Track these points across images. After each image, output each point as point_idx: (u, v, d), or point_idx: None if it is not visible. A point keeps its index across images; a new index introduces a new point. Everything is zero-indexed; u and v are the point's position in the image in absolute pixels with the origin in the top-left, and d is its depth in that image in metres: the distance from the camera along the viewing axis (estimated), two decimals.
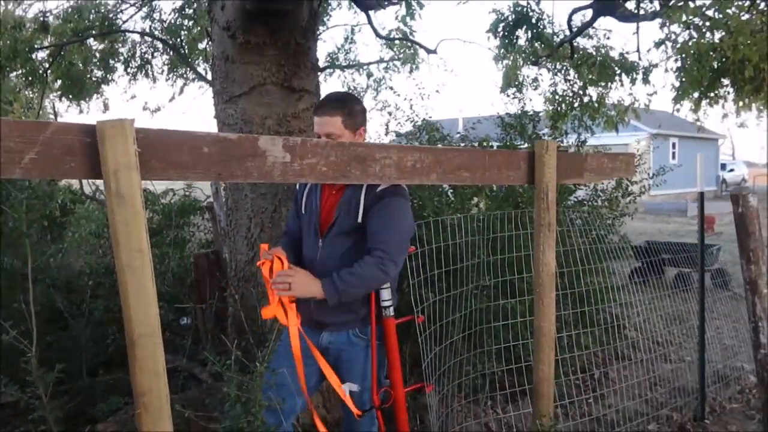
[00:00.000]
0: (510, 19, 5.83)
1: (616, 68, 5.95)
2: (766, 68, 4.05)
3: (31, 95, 8.47)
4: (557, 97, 6.23)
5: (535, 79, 6.55)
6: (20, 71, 7.05)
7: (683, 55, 4.61)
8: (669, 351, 3.86)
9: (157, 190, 4.82)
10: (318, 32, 3.48)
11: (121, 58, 8.03)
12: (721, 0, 3.96)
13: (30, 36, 6.79)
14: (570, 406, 3.00)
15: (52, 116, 8.78)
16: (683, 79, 4.78)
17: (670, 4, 4.30)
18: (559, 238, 2.89)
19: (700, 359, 3.26)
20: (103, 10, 7.23)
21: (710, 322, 3.96)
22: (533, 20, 5.77)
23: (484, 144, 4.57)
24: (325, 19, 8.11)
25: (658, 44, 4.78)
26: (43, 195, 3.74)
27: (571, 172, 2.30)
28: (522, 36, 5.87)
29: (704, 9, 4.12)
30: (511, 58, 6.70)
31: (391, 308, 1.99)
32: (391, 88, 9.33)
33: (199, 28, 7.44)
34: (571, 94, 6.18)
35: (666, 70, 5.05)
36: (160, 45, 8.07)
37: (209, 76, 3.39)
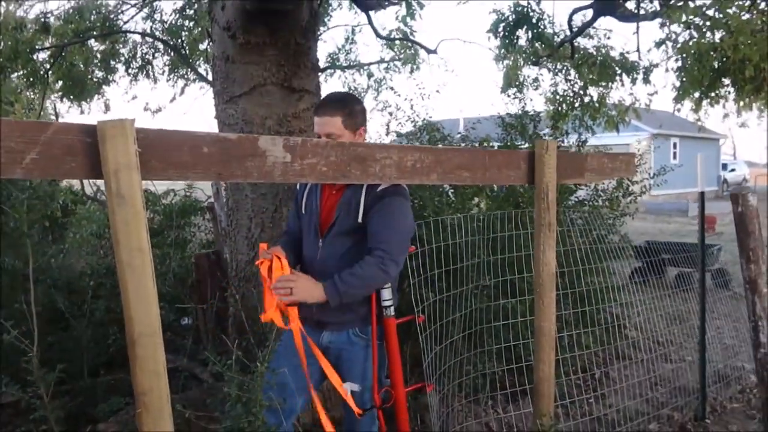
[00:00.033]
0: (510, 19, 5.83)
1: (617, 68, 5.96)
2: (767, 68, 4.05)
3: (32, 96, 8.49)
4: (558, 97, 6.23)
5: (536, 79, 6.56)
6: (21, 72, 7.07)
7: (684, 55, 4.61)
8: (670, 351, 3.86)
9: (158, 191, 4.83)
10: (318, 32, 3.49)
11: (122, 58, 8.05)
12: (722, 0, 3.96)
13: (31, 37, 6.80)
14: (571, 405, 3.00)
15: (53, 117, 8.79)
16: (684, 79, 4.79)
17: (670, 3, 4.30)
18: (559, 238, 2.90)
19: (701, 359, 3.26)
20: (104, 11, 7.24)
21: (711, 322, 3.96)
22: (534, 20, 5.77)
23: (485, 144, 4.58)
24: (325, 19, 8.12)
25: (658, 44, 4.78)
26: (45, 196, 3.75)
27: (571, 172, 2.30)
28: (522, 36, 5.88)
29: (704, 9, 4.12)
30: (512, 58, 6.70)
31: (392, 308, 2.00)
32: (392, 89, 9.33)
33: (199, 28, 7.45)
34: (571, 94, 6.19)
35: (667, 70, 5.07)
36: (161, 46, 8.09)
37: (210, 77, 3.40)
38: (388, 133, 5.32)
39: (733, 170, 26.69)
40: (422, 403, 2.75)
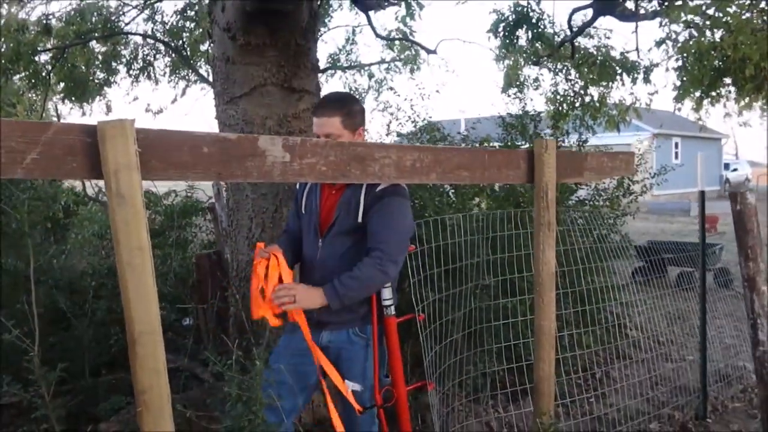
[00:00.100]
0: (510, 19, 5.84)
1: (617, 68, 5.95)
2: (767, 67, 4.04)
3: (34, 98, 8.51)
4: (558, 96, 6.23)
5: (536, 79, 6.56)
6: (23, 74, 7.09)
7: (684, 55, 4.61)
8: (671, 350, 3.86)
9: (159, 192, 4.84)
10: (318, 33, 3.50)
11: (124, 60, 8.06)
12: None
13: (33, 39, 6.82)
14: (571, 404, 3.00)
15: (54, 118, 8.80)
16: (684, 79, 4.78)
17: (669, 2, 4.30)
18: (559, 238, 2.90)
19: (702, 358, 3.26)
20: (105, 13, 7.26)
21: (712, 321, 3.96)
22: (534, 20, 5.78)
23: (485, 144, 4.58)
24: (326, 20, 8.13)
25: (658, 43, 4.78)
26: (47, 197, 3.77)
27: (570, 171, 2.31)
28: (522, 36, 5.89)
29: (704, 8, 4.12)
30: (512, 58, 6.71)
31: (392, 307, 2.00)
32: (391, 89, 9.34)
33: (200, 30, 7.47)
34: (572, 94, 6.19)
35: (667, 70, 5.07)
36: (162, 47, 8.10)
37: (211, 78, 3.41)
38: (388, 134, 5.34)
39: (735, 170, 26.62)
40: (423, 403, 2.75)
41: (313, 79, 2.95)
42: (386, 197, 1.91)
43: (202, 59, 8.07)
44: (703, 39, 4.23)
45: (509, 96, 5.37)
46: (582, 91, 6.19)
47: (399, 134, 5.42)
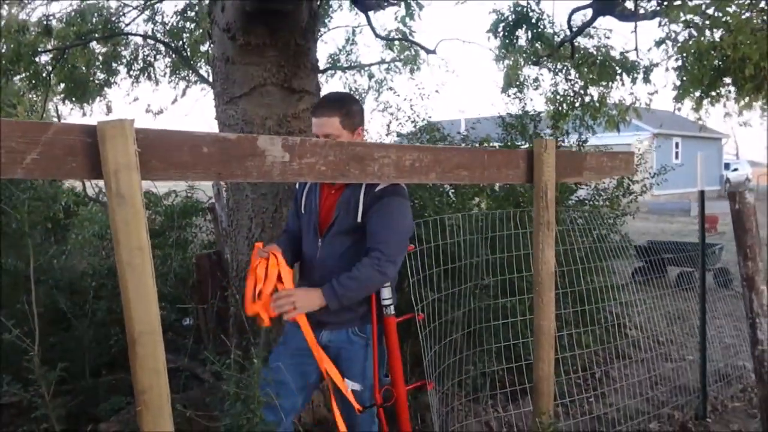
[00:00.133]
0: (510, 19, 5.84)
1: (617, 68, 5.96)
2: (767, 67, 4.05)
3: (34, 98, 8.52)
4: (558, 96, 6.23)
5: (536, 79, 6.56)
6: (24, 74, 7.10)
7: (684, 54, 4.61)
8: (670, 350, 3.86)
9: (159, 192, 4.85)
10: (318, 33, 3.50)
11: (124, 60, 8.07)
12: None
13: (33, 39, 6.83)
14: (571, 404, 3.01)
15: (55, 119, 8.82)
16: (684, 78, 4.78)
17: (668, 2, 4.30)
18: (558, 238, 2.91)
19: (702, 358, 3.26)
20: (105, 14, 7.27)
21: (712, 321, 3.96)
22: (533, 20, 5.78)
23: (485, 144, 4.59)
24: (326, 20, 8.13)
25: (658, 43, 4.78)
26: (47, 197, 3.77)
27: (570, 170, 2.31)
28: (522, 36, 5.89)
29: (704, 7, 4.12)
30: (512, 58, 6.71)
31: (392, 307, 2.01)
32: (391, 89, 9.35)
33: (201, 30, 7.47)
34: (572, 94, 6.19)
35: (667, 69, 5.07)
36: (162, 47, 8.11)
37: (211, 78, 3.41)
38: (388, 134, 5.34)
39: (735, 170, 26.60)
40: (422, 403, 2.76)
41: (313, 79, 2.96)
42: (385, 197, 1.91)
43: (203, 60, 8.08)
44: (702, 39, 4.23)
45: (509, 96, 5.37)
46: (582, 91, 6.19)
47: (399, 134, 5.43)
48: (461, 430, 2.75)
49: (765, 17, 4.19)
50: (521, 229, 2.92)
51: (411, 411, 2.36)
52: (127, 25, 7.49)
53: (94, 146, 1.30)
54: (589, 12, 5.46)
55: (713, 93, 4.99)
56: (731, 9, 4.01)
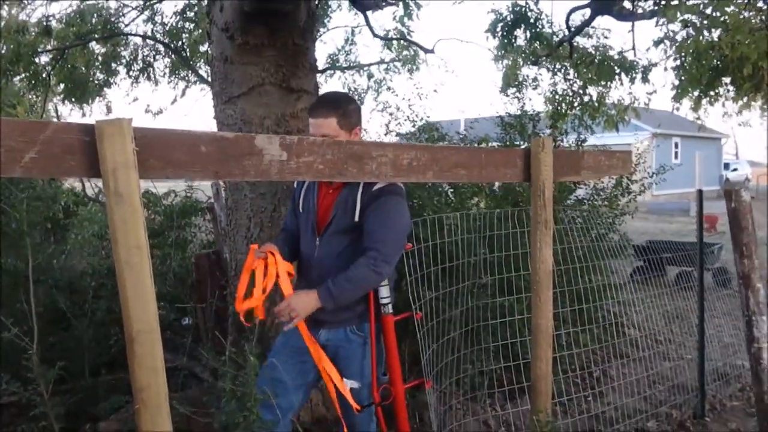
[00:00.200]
0: (509, 19, 5.85)
1: (616, 67, 5.96)
2: (765, 66, 4.05)
3: (34, 99, 8.53)
4: (557, 96, 6.24)
5: (535, 79, 6.56)
6: (23, 75, 7.10)
7: (682, 54, 4.62)
8: (669, 349, 3.87)
9: (158, 192, 4.85)
10: (317, 33, 3.51)
11: (123, 61, 8.07)
12: None
13: (33, 40, 6.83)
14: (569, 403, 3.01)
15: (55, 119, 8.82)
16: (683, 78, 4.79)
17: (664, 2, 4.31)
18: (557, 237, 2.91)
19: (700, 357, 3.27)
20: (105, 14, 7.28)
21: (710, 321, 3.96)
22: (532, 20, 5.79)
23: (484, 144, 4.59)
24: (325, 20, 8.14)
25: (657, 43, 4.79)
26: (46, 197, 3.78)
27: (568, 169, 2.32)
28: (521, 36, 5.90)
29: (702, 7, 4.13)
30: (511, 58, 6.72)
31: (390, 305, 2.01)
32: (389, 88, 9.36)
33: (200, 30, 7.48)
34: (570, 94, 6.19)
35: (665, 69, 5.06)
36: (161, 48, 8.12)
37: (210, 78, 3.42)
38: (387, 134, 5.35)
39: (735, 170, 26.61)
40: (421, 401, 2.76)
41: (312, 79, 2.97)
42: (383, 196, 1.92)
43: (202, 60, 8.09)
44: (700, 38, 4.23)
45: (508, 96, 5.37)
46: (581, 91, 6.20)
47: (398, 134, 5.43)
48: (459, 428, 2.76)
49: (763, 17, 4.19)
50: (519, 228, 2.92)
51: (409, 410, 2.36)
52: (126, 25, 7.50)
53: (93, 145, 1.30)
54: (588, 12, 5.47)
55: (712, 93, 5.00)
56: (729, 9, 4.01)
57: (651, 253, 5.29)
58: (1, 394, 2.50)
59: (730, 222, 1.78)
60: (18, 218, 2.77)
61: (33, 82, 7.16)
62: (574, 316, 3.16)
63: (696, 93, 4.97)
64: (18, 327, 2.12)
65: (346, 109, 1.97)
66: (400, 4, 4.77)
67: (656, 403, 3.29)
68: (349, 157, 1.67)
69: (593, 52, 6.21)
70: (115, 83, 8.30)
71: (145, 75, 8.29)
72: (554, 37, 6.08)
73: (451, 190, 4.14)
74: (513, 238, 2.92)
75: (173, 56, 8.18)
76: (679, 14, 3.99)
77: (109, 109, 8.89)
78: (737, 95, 4.90)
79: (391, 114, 5.38)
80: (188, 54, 7.94)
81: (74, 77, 7.53)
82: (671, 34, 4.59)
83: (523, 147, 3.52)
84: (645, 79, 6.01)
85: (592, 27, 6.03)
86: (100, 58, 7.89)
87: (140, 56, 8.19)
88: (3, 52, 6.62)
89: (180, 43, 7.86)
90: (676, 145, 23.40)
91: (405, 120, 5.26)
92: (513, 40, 5.90)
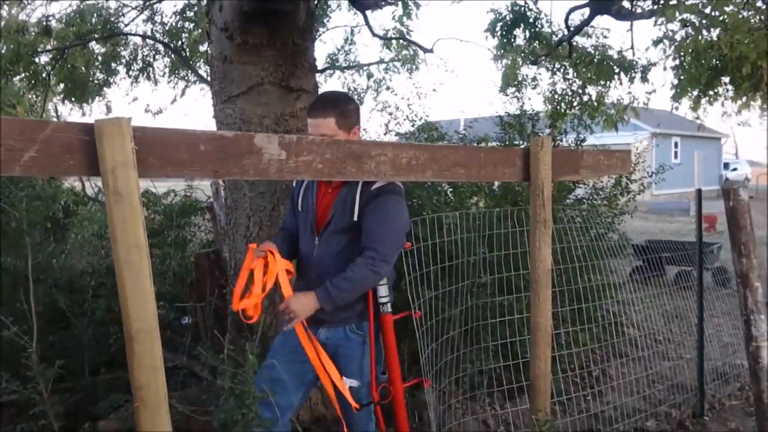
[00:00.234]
0: (508, 18, 5.86)
1: (615, 67, 5.97)
2: (764, 66, 4.05)
3: (34, 98, 8.53)
4: (556, 96, 6.24)
5: (534, 79, 6.57)
6: (23, 75, 7.11)
7: (681, 53, 4.63)
8: (668, 348, 3.87)
9: (158, 191, 4.86)
10: (316, 33, 3.51)
11: (123, 60, 8.08)
12: None
13: (33, 40, 6.84)
14: (568, 402, 3.01)
15: (54, 119, 8.81)
16: (682, 77, 4.79)
17: (663, 2, 4.31)
18: (556, 236, 2.91)
19: (699, 356, 3.27)
20: (104, 14, 7.28)
21: (710, 320, 3.96)
22: (531, 19, 5.79)
23: (483, 143, 4.59)
24: (324, 20, 8.14)
25: (656, 42, 4.79)
26: (46, 197, 3.78)
27: (567, 169, 2.32)
28: (520, 35, 5.90)
29: (701, 6, 4.13)
30: (510, 57, 6.72)
31: (389, 304, 2.02)
32: (388, 88, 9.36)
33: (199, 30, 7.49)
34: (570, 93, 6.20)
35: (665, 69, 5.07)
36: (161, 48, 8.12)
37: (210, 78, 3.43)
38: (386, 133, 5.36)
39: (735, 169, 26.63)
40: (420, 401, 2.77)
41: (311, 79, 2.97)
42: (381, 195, 1.92)
43: (202, 60, 8.09)
44: (700, 38, 4.24)
45: (507, 95, 5.38)
46: (580, 91, 6.20)
47: (397, 134, 5.44)
48: (458, 427, 2.76)
49: (762, 16, 4.20)
50: (519, 227, 2.93)
51: (408, 409, 2.37)
52: (126, 25, 7.51)
53: (92, 144, 1.31)
54: (587, 11, 5.47)
55: (711, 92, 5.00)
56: (728, 8, 4.02)
57: (650, 253, 5.29)
58: (1, 393, 2.50)
59: (729, 221, 1.78)
60: (18, 217, 2.77)
61: (33, 81, 7.17)
62: (573, 316, 3.16)
63: (695, 92, 4.97)
64: (18, 326, 2.13)
65: (344, 108, 1.97)
66: (399, 3, 4.78)
67: (655, 402, 3.30)
68: (348, 156, 1.67)
69: (592, 51, 6.22)
70: (115, 83, 8.31)
71: (145, 75, 8.30)
72: (553, 36, 6.09)
73: (451, 189, 4.14)
74: (512, 238, 2.92)
75: (173, 56, 8.19)
76: (677, 14, 3.99)
77: (108, 109, 8.90)
78: (736, 95, 4.91)
79: (390, 114, 5.38)
80: (188, 54, 7.94)
81: (74, 77, 7.53)
82: (670, 33, 4.60)
83: (522, 146, 3.52)
84: (644, 79, 6.02)
85: (592, 26, 6.04)
86: (99, 57, 7.89)
87: (140, 56, 8.20)
88: (3, 51, 6.62)
89: (180, 42, 7.87)
90: (676, 145, 23.40)
91: (404, 120, 5.27)
92: (512, 40, 5.91)
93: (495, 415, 2.96)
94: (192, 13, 7.60)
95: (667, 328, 3.91)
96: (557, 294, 2.91)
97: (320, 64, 8.16)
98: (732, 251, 1.79)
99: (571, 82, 6.29)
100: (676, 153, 23.06)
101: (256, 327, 2.53)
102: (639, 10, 5.01)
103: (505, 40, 5.88)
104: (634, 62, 5.98)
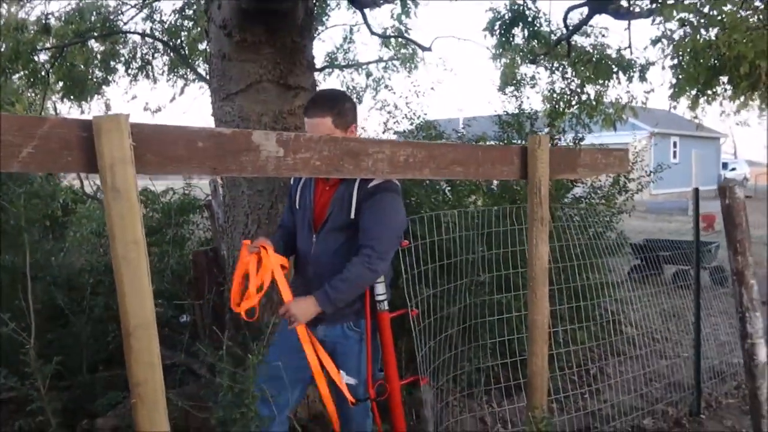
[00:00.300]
0: (506, 17, 5.86)
1: (613, 66, 5.98)
2: (762, 65, 4.06)
3: (33, 96, 8.53)
4: (555, 95, 6.25)
5: (533, 77, 6.57)
6: (22, 73, 7.11)
7: (680, 53, 4.63)
8: (665, 347, 3.88)
9: (157, 189, 4.86)
10: (315, 31, 3.52)
11: (122, 59, 8.09)
12: None
13: (32, 38, 6.84)
14: (565, 400, 3.02)
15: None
16: (680, 77, 4.80)
17: (661, 1, 4.32)
18: (554, 234, 2.92)
19: (696, 355, 3.28)
20: (104, 12, 7.28)
21: (707, 319, 3.97)
22: (530, 18, 5.80)
23: (481, 142, 4.60)
24: (323, 19, 8.15)
25: (654, 42, 4.80)
26: (45, 195, 3.79)
27: (564, 167, 2.32)
28: (518, 34, 5.91)
29: (699, 5, 4.14)
30: (509, 56, 6.73)
31: (386, 302, 2.02)
32: (387, 86, 9.36)
33: (198, 28, 7.49)
34: (568, 92, 6.21)
35: (663, 68, 5.07)
36: (160, 46, 8.13)
37: (208, 76, 3.44)
38: (385, 132, 5.36)
39: (733, 169, 26.67)
40: (418, 398, 2.77)
41: (309, 77, 2.97)
42: (378, 193, 1.92)
43: (201, 58, 8.10)
44: (698, 37, 4.24)
45: (506, 94, 5.38)
46: (578, 90, 6.21)
47: (396, 132, 5.44)
48: (456, 425, 2.77)
49: (760, 16, 4.20)
50: (517, 225, 2.93)
51: (406, 407, 2.37)
52: (125, 23, 7.51)
53: (90, 140, 1.31)
54: (585, 10, 5.48)
55: (709, 91, 5.01)
56: (726, 7, 4.02)
57: (648, 252, 5.31)
58: (0, 389, 2.51)
59: (724, 219, 1.79)
60: (17, 215, 2.77)
61: (32, 79, 7.18)
62: (571, 314, 3.17)
63: (693, 92, 4.98)
64: (16, 323, 2.13)
65: (341, 108, 1.98)
66: (398, 2, 4.78)
67: (652, 400, 3.30)
68: (345, 153, 1.68)
69: (591, 50, 6.23)
70: (114, 81, 8.33)
71: (144, 73, 8.31)
72: (552, 35, 6.10)
73: (449, 188, 4.15)
74: (511, 236, 2.93)
75: (172, 54, 8.19)
76: (675, 13, 4.00)
77: (107, 107, 8.91)
78: (734, 94, 4.92)
79: (389, 112, 5.38)
80: (187, 52, 7.95)
81: (73, 75, 7.54)
82: (669, 32, 4.60)
83: (519, 144, 3.52)
84: (643, 78, 6.03)
85: (590, 25, 6.05)
86: (98, 56, 7.90)
87: (139, 54, 8.21)
88: (2, 49, 6.62)
89: (179, 41, 7.87)
90: (675, 145, 23.41)
91: (403, 118, 5.27)
92: (511, 39, 5.92)
93: (492, 413, 2.97)
94: (191, 11, 7.60)
95: (664, 326, 3.92)
96: (555, 292, 2.92)
97: (319, 62, 8.16)
98: (728, 249, 1.80)
99: (569, 81, 6.29)
100: (674, 153, 23.07)
101: (255, 325, 2.53)
102: (637, 9, 5.02)
103: (503, 39, 5.89)
104: (633, 61, 5.99)
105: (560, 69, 6.29)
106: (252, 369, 1.68)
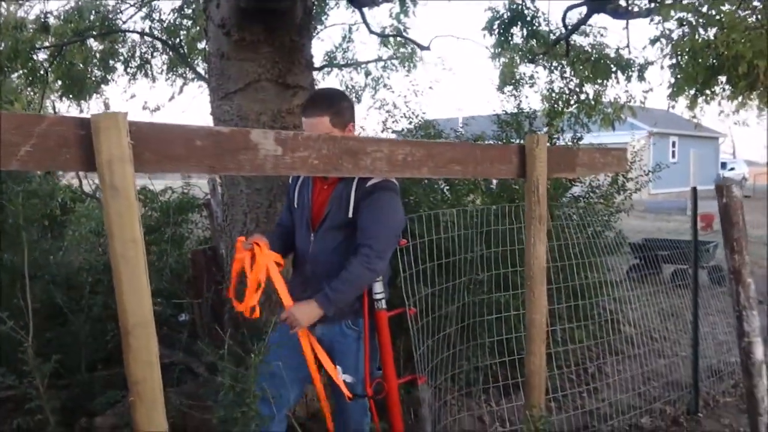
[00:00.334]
0: (505, 16, 5.87)
1: (612, 65, 5.99)
2: (761, 65, 4.07)
3: (32, 95, 8.52)
4: (554, 94, 6.26)
5: (532, 77, 6.57)
6: (21, 72, 7.10)
7: (678, 52, 4.64)
8: (663, 346, 3.89)
9: (156, 189, 4.86)
10: (314, 30, 3.52)
11: (121, 58, 8.08)
12: None
13: (31, 36, 6.84)
14: (564, 399, 3.03)
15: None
16: (679, 76, 4.81)
17: (659, 1, 4.32)
18: (553, 233, 2.92)
19: (694, 354, 3.29)
20: (103, 11, 7.28)
21: (705, 318, 3.98)
22: (528, 18, 5.81)
23: (479, 141, 4.61)
24: (322, 18, 8.14)
25: (653, 41, 4.81)
26: (44, 194, 3.78)
27: (562, 166, 2.32)
28: (517, 34, 5.92)
29: (697, 5, 4.14)
30: (508, 55, 6.74)
31: (383, 301, 2.03)
32: (385, 85, 9.36)
33: (197, 27, 7.49)
34: (567, 92, 6.22)
35: (662, 67, 5.08)
36: (159, 45, 8.12)
37: (207, 75, 3.44)
38: (383, 131, 5.36)
39: (732, 169, 26.70)
40: (416, 397, 2.77)
41: (308, 76, 2.97)
42: (376, 192, 1.93)
43: (199, 57, 8.09)
44: (696, 37, 4.25)
45: (504, 94, 5.39)
46: (577, 89, 6.22)
47: (394, 131, 5.44)
48: (454, 424, 2.77)
49: (758, 15, 4.21)
50: (516, 224, 2.94)
51: (404, 406, 2.37)
52: (124, 22, 7.52)
53: (88, 138, 1.31)
54: (584, 10, 5.48)
55: (708, 91, 5.01)
56: (725, 7, 4.03)
57: (647, 251, 5.32)
58: None
59: (722, 217, 1.80)
60: (15, 214, 2.77)
61: (31, 78, 7.17)
62: (569, 313, 3.18)
63: (692, 91, 4.98)
64: (14, 322, 2.13)
65: (339, 107, 1.98)
66: (397, 1, 4.78)
67: (650, 399, 3.31)
68: (344, 152, 1.68)
69: (589, 50, 6.23)
70: (113, 80, 8.33)
71: (143, 72, 8.31)
72: (551, 35, 6.10)
73: (447, 186, 4.15)
74: (509, 234, 2.93)
75: (171, 53, 8.19)
76: (673, 12, 4.00)
77: (106, 106, 8.90)
78: (733, 94, 4.92)
79: (388, 111, 5.38)
80: (186, 51, 7.95)
81: (72, 74, 7.54)
82: (667, 32, 4.61)
83: (517, 143, 3.53)
84: (641, 78, 6.03)
85: (589, 25, 6.06)
86: (97, 54, 7.90)
87: (138, 53, 8.20)
88: (1, 48, 6.61)
89: (177, 40, 7.87)
90: (674, 144, 23.45)
91: (402, 117, 5.27)
92: (510, 38, 5.92)
93: (490, 412, 2.97)
94: (190, 10, 7.60)
95: (662, 325, 3.93)
96: (554, 291, 2.92)
97: (318, 61, 8.16)
98: (725, 248, 1.81)
99: (568, 80, 6.30)
100: (673, 152, 23.10)
101: (254, 324, 2.53)
102: (636, 9, 5.02)
103: (502, 39, 5.90)
104: (631, 61, 6.00)
105: (559, 68, 6.30)
106: (253, 368, 1.69)
